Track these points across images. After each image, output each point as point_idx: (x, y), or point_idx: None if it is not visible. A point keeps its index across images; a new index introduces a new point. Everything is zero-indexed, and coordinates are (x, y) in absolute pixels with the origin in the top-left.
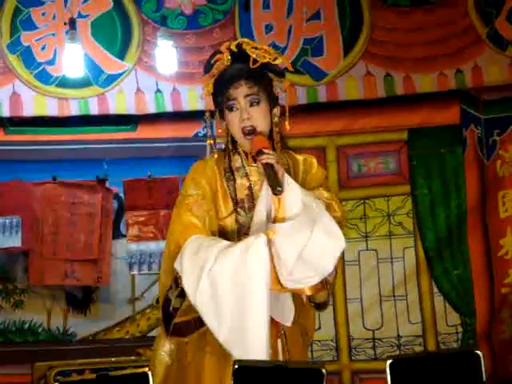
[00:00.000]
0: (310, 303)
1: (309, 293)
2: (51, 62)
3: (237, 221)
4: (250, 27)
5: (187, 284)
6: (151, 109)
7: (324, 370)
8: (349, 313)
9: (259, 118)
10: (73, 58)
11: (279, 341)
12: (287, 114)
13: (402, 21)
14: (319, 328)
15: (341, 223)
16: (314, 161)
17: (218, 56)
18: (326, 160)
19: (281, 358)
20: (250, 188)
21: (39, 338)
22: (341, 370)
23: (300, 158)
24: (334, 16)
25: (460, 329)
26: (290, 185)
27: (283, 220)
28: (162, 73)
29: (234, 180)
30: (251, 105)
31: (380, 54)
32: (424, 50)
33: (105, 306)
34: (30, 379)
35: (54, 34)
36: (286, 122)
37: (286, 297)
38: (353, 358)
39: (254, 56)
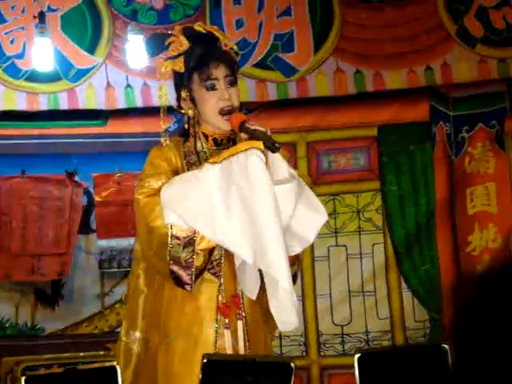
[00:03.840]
0: None
1: None
2: (20, 56)
3: None
4: (220, 22)
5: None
6: (121, 104)
7: (293, 365)
8: (318, 308)
9: (236, 98)
10: (42, 51)
11: (240, 322)
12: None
13: (372, 17)
14: None
15: None
16: None
17: (172, 38)
18: (297, 156)
19: (240, 339)
20: None
21: (7, 333)
22: (309, 365)
23: None
24: (305, 12)
25: (428, 324)
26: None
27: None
28: (132, 68)
29: (200, 163)
30: (229, 85)
31: (350, 50)
32: (394, 47)
33: (73, 302)
34: None
35: (23, 28)
36: None
37: (254, 269)
38: (321, 353)
39: (222, 38)
